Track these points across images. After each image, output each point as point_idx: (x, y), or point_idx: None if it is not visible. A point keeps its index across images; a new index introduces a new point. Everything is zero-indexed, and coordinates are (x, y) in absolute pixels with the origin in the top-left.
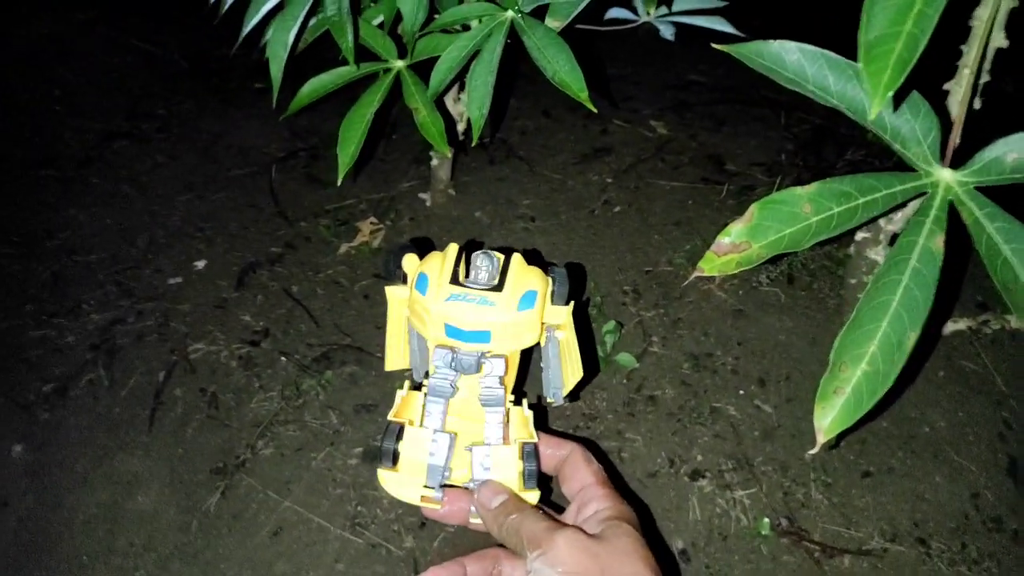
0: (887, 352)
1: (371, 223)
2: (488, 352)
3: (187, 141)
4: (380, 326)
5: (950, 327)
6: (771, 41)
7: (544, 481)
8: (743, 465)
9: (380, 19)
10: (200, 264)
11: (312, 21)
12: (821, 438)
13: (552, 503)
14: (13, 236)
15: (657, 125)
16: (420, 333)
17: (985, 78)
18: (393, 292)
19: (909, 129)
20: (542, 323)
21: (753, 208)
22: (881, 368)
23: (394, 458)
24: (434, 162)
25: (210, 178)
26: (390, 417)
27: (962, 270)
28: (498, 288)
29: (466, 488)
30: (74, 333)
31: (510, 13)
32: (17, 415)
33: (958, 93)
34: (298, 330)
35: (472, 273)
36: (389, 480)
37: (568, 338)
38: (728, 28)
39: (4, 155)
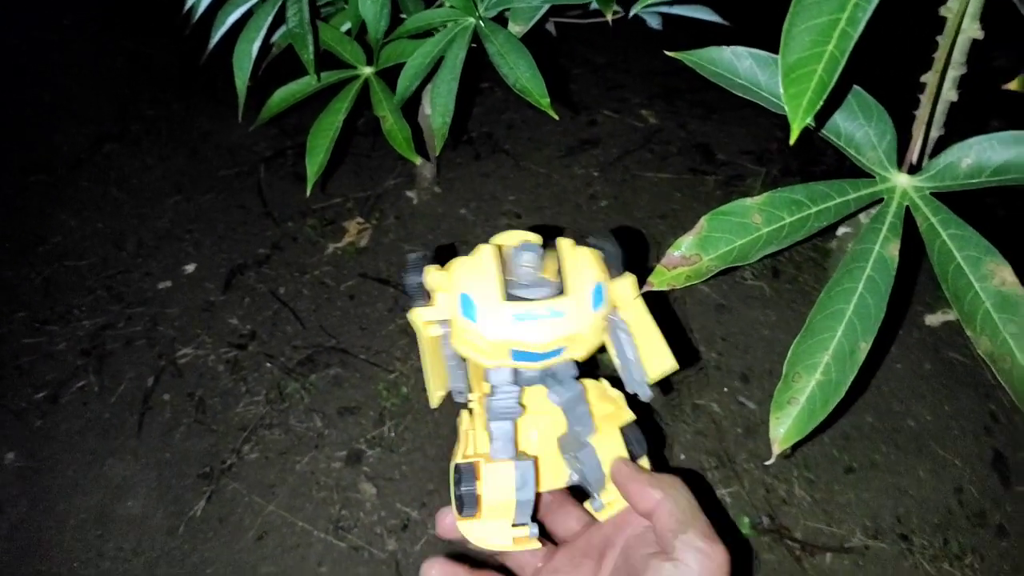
0: (840, 361)
1: (357, 223)
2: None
3: (176, 142)
4: (365, 327)
5: (939, 318)
6: (724, 48)
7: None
8: (725, 462)
9: (347, 26)
10: (188, 267)
11: (278, 32)
12: (776, 449)
13: None
14: (5, 242)
15: (647, 114)
16: (471, 359)
17: (961, 70)
18: (421, 316)
19: (863, 134)
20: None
21: (703, 220)
22: (834, 377)
23: (475, 505)
24: (419, 160)
25: (199, 179)
26: (458, 461)
27: None
28: (561, 291)
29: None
30: (65, 339)
31: (472, 19)
32: (10, 422)
33: (930, 87)
34: (284, 332)
35: (517, 273)
36: (472, 531)
37: (639, 316)
38: (714, 17)
39: None
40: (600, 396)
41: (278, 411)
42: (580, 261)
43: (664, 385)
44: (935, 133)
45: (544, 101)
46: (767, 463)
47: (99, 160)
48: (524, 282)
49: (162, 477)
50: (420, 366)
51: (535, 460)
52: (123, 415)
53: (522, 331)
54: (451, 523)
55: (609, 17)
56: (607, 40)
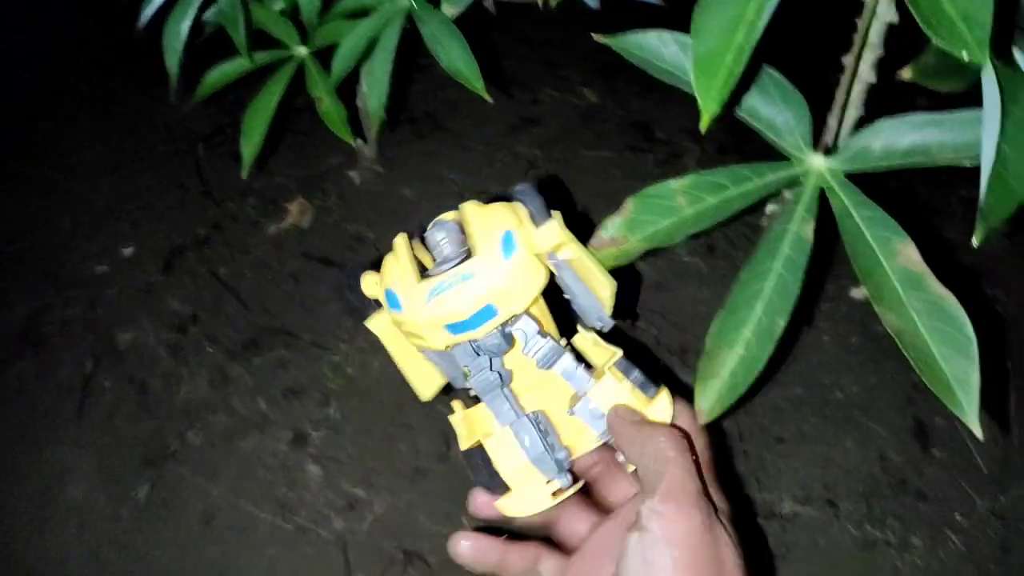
0: (760, 337)
1: (299, 203)
2: (506, 320)
3: (112, 119)
4: (309, 308)
5: (863, 292)
6: (649, 32)
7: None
8: None
9: (280, 6)
10: (127, 249)
11: (210, 10)
12: (702, 420)
13: None
14: None
15: (587, 93)
16: (428, 349)
17: (878, 52)
18: (375, 324)
19: (782, 119)
20: (540, 254)
21: (629, 201)
22: (755, 353)
23: (500, 482)
24: (356, 142)
25: (135, 157)
26: (464, 448)
27: None
28: (469, 254)
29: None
30: None
31: (406, 1)
32: None
33: (848, 68)
34: (226, 314)
35: (436, 253)
36: (512, 506)
37: (576, 253)
38: None
39: None
40: (592, 345)
41: (222, 395)
42: (485, 218)
43: (630, 314)
44: (854, 113)
45: (478, 84)
46: None
47: (31, 139)
48: (444, 256)
49: (103, 463)
50: (365, 347)
51: (536, 415)
52: (62, 401)
53: (440, 305)
54: (484, 502)
55: (553, 2)
56: (545, 17)
